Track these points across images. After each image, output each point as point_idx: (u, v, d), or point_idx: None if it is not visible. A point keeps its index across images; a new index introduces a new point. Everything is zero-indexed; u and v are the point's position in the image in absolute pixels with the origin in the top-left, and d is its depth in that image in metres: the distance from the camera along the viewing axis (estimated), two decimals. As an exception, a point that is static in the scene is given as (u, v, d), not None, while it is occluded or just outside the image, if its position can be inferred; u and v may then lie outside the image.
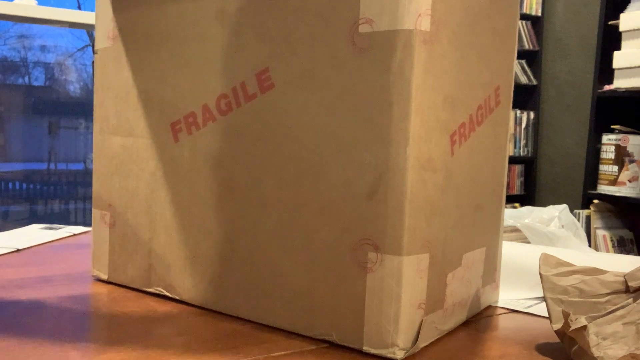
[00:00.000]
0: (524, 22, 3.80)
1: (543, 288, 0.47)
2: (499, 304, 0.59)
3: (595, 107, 2.63)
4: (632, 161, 2.47)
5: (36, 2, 1.91)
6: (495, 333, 0.50)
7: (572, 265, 0.48)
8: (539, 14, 3.81)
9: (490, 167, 0.53)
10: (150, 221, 0.56)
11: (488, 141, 0.52)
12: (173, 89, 0.54)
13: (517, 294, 0.62)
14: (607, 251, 2.54)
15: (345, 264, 0.44)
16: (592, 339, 0.42)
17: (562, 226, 0.83)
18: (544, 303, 0.59)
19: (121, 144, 0.59)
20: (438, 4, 0.42)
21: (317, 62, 0.45)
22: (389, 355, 0.43)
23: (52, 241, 0.83)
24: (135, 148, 0.57)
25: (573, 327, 0.42)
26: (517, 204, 3.57)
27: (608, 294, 0.45)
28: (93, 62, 0.62)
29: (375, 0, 0.42)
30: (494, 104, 0.53)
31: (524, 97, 3.90)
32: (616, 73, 2.45)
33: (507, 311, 0.57)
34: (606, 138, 2.56)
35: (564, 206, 0.87)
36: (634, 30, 2.38)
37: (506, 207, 0.95)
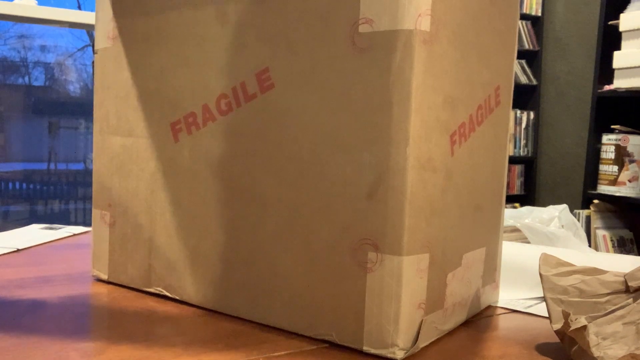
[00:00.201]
0: (524, 22, 3.80)
1: (543, 288, 0.47)
2: (499, 304, 0.59)
3: (595, 107, 2.63)
4: (632, 161, 2.47)
5: (36, 2, 1.91)
6: (495, 333, 0.50)
7: (572, 265, 0.48)
8: (539, 14, 3.81)
9: (490, 167, 0.53)
10: (150, 221, 0.56)
11: (488, 141, 0.52)
12: (173, 89, 0.54)
13: (517, 294, 0.62)
14: (607, 251, 2.54)
15: (345, 264, 0.44)
16: (592, 339, 0.42)
17: (562, 226, 0.83)
18: (544, 303, 0.59)
19: (121, 144, 0.59)
20: (438, 4, 0.42)
21: (317, 62, 0.45)
22: (389, 355, 0.43)
23: (52, 241, 0.83)
24: (135, 148, 0.57)
25: (573, 327, 0.42)
26: (517, 204, 3.56)
27: (608, 294, 0.45)
28: (93, 62, 0.62)
29: (375, 0, 0.42)
30: (494, 104, 0.53)
31: (524, 97, 3.90)
32: (616, 73, 2.45)
33: (507, 311, 0.57)
34: (606, 138, 2.56)
35: (564, 206, 0.87)
36: (634, 30, 2.38)
37: (506, 207, 0.95)
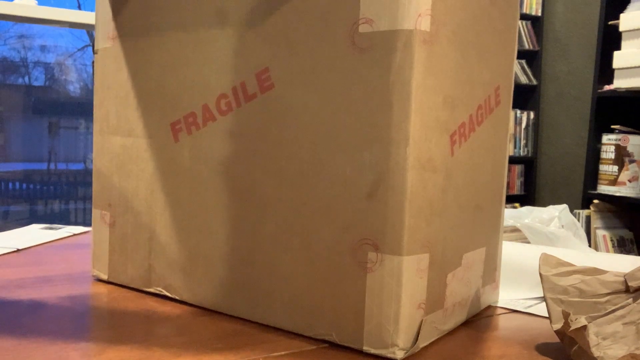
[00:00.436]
0: (524, 22, 3.80)
1: (543, 288, 0.47)
2: (499, 304, 0.59)
3: (595, 107, 2.63)
4: (632, 161, 2.47)
5: (36, 2, 1.91)
6: (495, 333, 0.50)
7: (572, 265, 0.48)
8: (539, 14, 3.81)
9: (490, 167, 0.53)
10: (150, 221, 0.56)
11: (488, 141, 0.52)
12: (173, 89, 0.54)
13: (517, 294, 0.62)
14: (607, 251, 2.54)
15: (345, 264, 0.44)
16: (592, 339, 0.42)
17: (562, 226, 0.83)
18: (544, 303, 0.59)
19: (121, 144, 0.59)
20: (438, 4, 0.42)
21: (317, 62, 0.45)
22: (389, 355, 0.43)
23: (52, 241, 0.83)
24: (135, 148, 0.57)
25: (573, 327, 0.42)
26: (517, 204, 3.56)
27: (608, 294, 0.45)
28: (93, 62, 0.62)
29: (375, 0, 0.42)
30: (494, 103, 0.53)
31: (524, 97, 3.90)
32: (616, 73, 2.45)
33: (507, 311, 0.57)
34: (606, 138, 2.56)
35: (564, 206, 0.87)
36: (634, 30, 2.38)
37: (506, 207, 0.95)
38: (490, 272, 0.57)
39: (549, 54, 3.83)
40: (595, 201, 2.61)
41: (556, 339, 0.49)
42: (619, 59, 2.43)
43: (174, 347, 0.44)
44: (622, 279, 0.46)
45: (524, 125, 3.83)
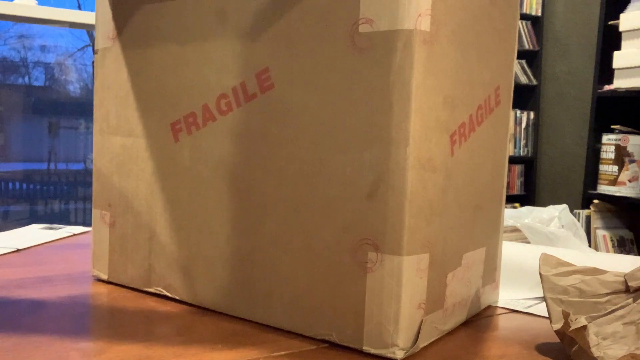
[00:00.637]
0: (524, 22, 3.80)
1: (543, 288, 0.47)
2: (499, 304, 0.59)
3: (595, 107, 2.63)
4: (632, 161, 2.47)
5: (36, 2, 1.91)
6: (495, 333, 0.50)
7: (572, 265, 0.48)
8: (539, 14, 3.81)
9: (490, 167, 0.53)
10: (150, 221, 0.56)
11: (488, 141, 0.52)
12: (173, 89, 0.54)
13: (517, 294, 0.62)
14: (607, 251, 2.54)
15: (345, 264, 0.44)
16: (592, 339, 0.42)
17: (562, 226, 0.83)
18: (544, 303, 0.59)
19: (121, 144, 0.59)
20: (438, 4, 0.42)
21: (317, 62, 0.45)
22: (389, 355, 0.43)
23: (52, 241, 0.83)
24: (135, 148, 0.57)
25: (573, 327, 0.42)
26: (517, 204, 3.56)
27: (608, 294, 0.45)
28: (93, 62, 0.62)
29: (375, 0, 0.42)
30: (494, 103, 0.53)
31: (524, 97, 3.90)
32: (616, 73, 2.45)
33: (507, 311, 0.57)
34: (606, 138, 2.56)
35: (564, 206, 0.87)
36: (634, 30, 2.38)
37: (506, 207, 0.95)
38: (490, 272, 0.56)
39: (549, 54, 3.83)
40: (595, 201, 2.61)
41: (556, 339, 0.49)
42: (619, 59, 2.43)
43: (174, 347, 0.44)
44: (622, 279, 0.46)
45: (524, 125, 3.83)
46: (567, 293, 0.46)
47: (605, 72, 2.57)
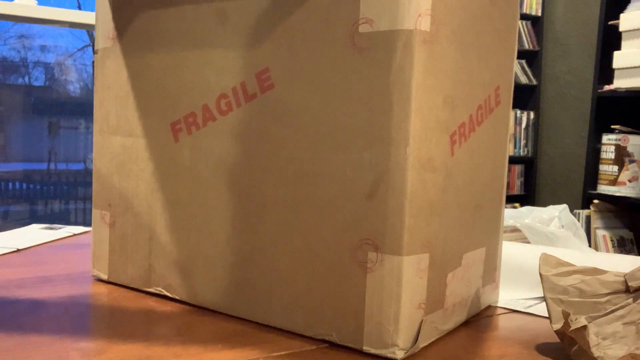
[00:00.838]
0: (524, 22, 3.79)
1: (543, 288, 0.47)
2: (499, 304, 0.59)
3: (595, 107, 2.63)
4: (632, 161, 2.47)
5: (36, 2, 1.91)
6: (495, 333, 0.50)
7: (572, 265, 0.48)
8: (539, 14, 3.81)
9: (490, 167, 0.53)
10: (150, 221, 0.56)
11: (488, 141, 0.52)
12: (173, 89, 0.54)
13: (517, 294, 0.62)
14: (607, 251, 2.54)
15: (345, 264, 0.44)
16: (592, 339, 0.42)
17: (562, 226, 0.83)
18: (544, 303, 0.59)
19: (121, 144, 0.59)
20: (438, 4, 0.42)
21: (317, 62, 0.45)
22: (389, 355, 0.43)
23: (52, 241, 0.83)
24: (135, 148, 0.57)
25: (573, 327, 0.42)
26: (517, 204, 3.56)
27: (608, 294, 0.45)
28: (93, 62, 0.62)
29: (375, 0, 0.42)
30: (494, 103, 0.53)
31: (524, 97, 3.90)
32: (616, 73, 2.45)
33: (507, 311, 0.57)
34: (606, 138, 2.56)
35: (564, 206, 0.87)
36: (634, 30, 2.38)
37: (506, 207, 0.95)
38: (490, 272, 0.56)
39: (549, 54, 3.83)
40: (595, 201, 2.61)
41: (556, 339, 0.49)
42: (619, 59, 2.43)
43: (174, 347, 0.44)
44: (622, 279, 0.46)
45: (524, 125, 3.83)
46: (567, 293, 0.46)
47: (605, 72, 2.57)
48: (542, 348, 0.47)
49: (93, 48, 0.62)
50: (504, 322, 0.54)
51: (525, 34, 3.80)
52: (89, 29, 2.38)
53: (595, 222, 2.59)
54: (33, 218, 3.29)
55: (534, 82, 3.84)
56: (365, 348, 0.44)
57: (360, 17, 0.43)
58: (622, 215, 2.64)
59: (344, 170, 0.44)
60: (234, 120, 0.50)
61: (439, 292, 0.47)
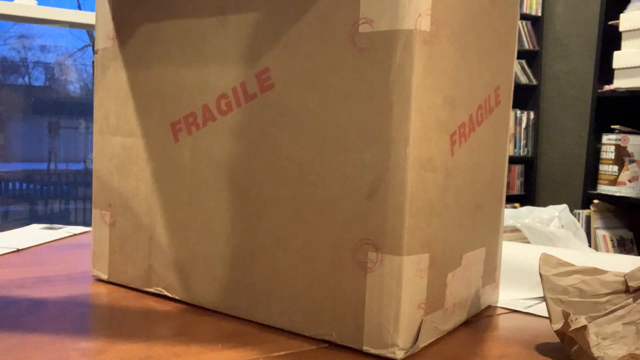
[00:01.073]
0: (524, 22, 3.79)
1: (543, 288, 0.47)
2: (499, 304, 0.59)
3: (595, 107, 2.63)
4: (632, 161, 2.47)
5: (36, 2, 1.91)
6: (495, 333, 0.50)
7: (572, 265, 0.48)
8: (539, 14, 3.81)
9: (490, 167, 0.53)
10: (150, 221, 0.56)
11: (488, 141, 0.52)
12: (173, 89, 0.54)
13: (517, 294, 0.62)
14: (607, 251, 2.54)
15: (345, 264, 0.44)
16: (592, 339, 0.42)
17: (562, 226, 0.83)
18: (544, 303, 0.59)
19: (121, 144, 0.59)
20: (438, 4, 0.42)
21: (317, 62, 0.45)
22: (389, 355, 0.43)
23: (52, 241, 0.83)
24: (135, 148, 0.57)
25: (573, 327, 0.42)
26: (517, 204, 3.56)
27: (608, 294, 0.45)
28: (93, 62, 0.62)
29: (375, 0, 0.42)
30: (494, 103, 0.53)
31: (524, 97, 3.90)
32: (616, 73, 2.45)
33: (507, 311, 0.57)
34: (606, 138, 2.56)
35: (564, 206, 0.87)
36: (634, 30, 2.38)
37: (506, 207, 0.95)
38: (490, 272, 0.56)
39: (549, 54, 3.83)
40: (595, 201, 2.61)
41: (556, 339, 0.49)
42: (619, 59, 2.43)
43: (174, 347, 0.44)
44: (622, 279, 0.46)
45: (524, 125, 3.83)
46: (567, 293, 0.46)
47: (605, 72, 2.57)
48: (542, 348, 0.47)
49: (93, 48, 0.62)
50: (504, 322, 0.54)
51: (525, 34, 3.80)
52: (89, 29, 2.38)
53: (595, 222, 2.59)
54: (33, 218, 3.29)
55: (534, 82, 3.84)
56: (365, 348, 0.44)
57: (360, 17, 0.43)
58: (622, 215, 2.64)
59: (344, 170, 0.44)
60: (234, 120, 0.50)
61: (439, 292, 0.47)
